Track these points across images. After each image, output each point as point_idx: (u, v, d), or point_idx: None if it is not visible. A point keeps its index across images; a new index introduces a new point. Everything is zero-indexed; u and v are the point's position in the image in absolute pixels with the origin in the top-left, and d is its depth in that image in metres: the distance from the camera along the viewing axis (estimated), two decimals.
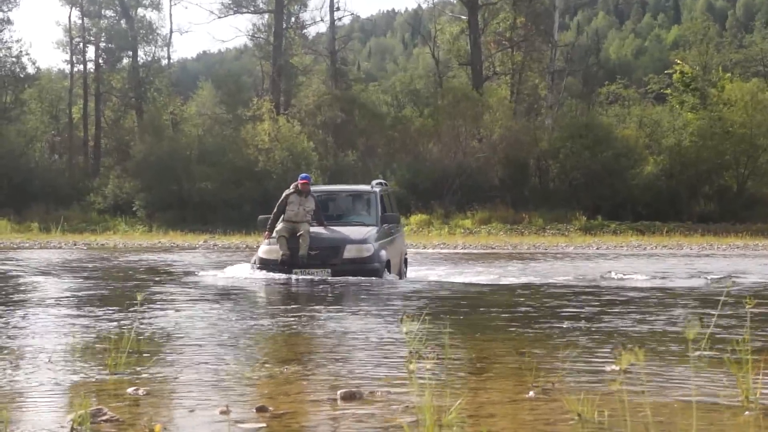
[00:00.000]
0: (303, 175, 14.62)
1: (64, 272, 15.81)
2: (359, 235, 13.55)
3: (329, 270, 13.18)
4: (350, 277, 12.80)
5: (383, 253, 13.60)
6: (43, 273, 15.43)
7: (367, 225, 14.11)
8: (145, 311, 8.34)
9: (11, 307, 9.17)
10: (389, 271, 13.75)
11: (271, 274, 13.21)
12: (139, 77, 52.55)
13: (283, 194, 14.24)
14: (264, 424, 3.81)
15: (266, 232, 13.96)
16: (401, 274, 15.26)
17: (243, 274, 13.76)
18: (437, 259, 21.62)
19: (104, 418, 3.88)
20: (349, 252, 13.22)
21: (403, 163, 43.43)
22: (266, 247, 13.69)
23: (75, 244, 30.85)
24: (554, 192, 41.21)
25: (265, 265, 13.53)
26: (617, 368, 4.56)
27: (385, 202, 15.21)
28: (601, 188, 39.70)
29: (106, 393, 4.48)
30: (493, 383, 4.80)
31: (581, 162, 40.12)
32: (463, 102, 43.31)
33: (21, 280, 13.61)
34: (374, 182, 15.52)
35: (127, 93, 53.68)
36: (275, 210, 14.05)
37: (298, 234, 13.49)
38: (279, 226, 13.74)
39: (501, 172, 42.11)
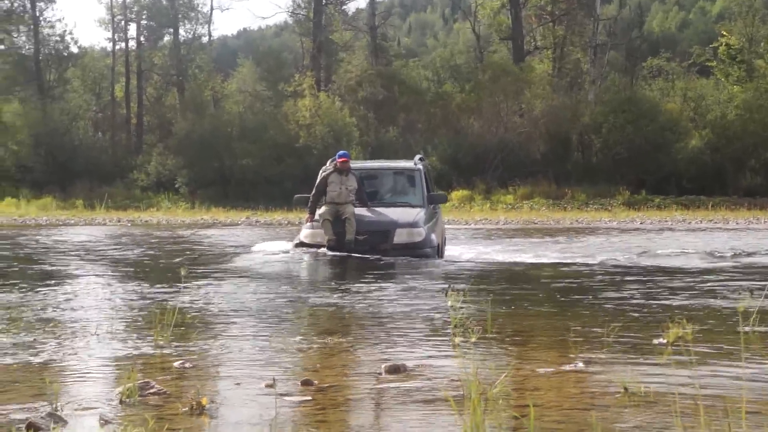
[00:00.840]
0: (341, 152, 13.75)
1: (108, 249, 15.97)
2: (409, 217, 12.64)
3: (379, 257, 12.11)
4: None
5: (434, 237, 12.81)
6: (89, 249, 15.58)
7: (414, 206, 13.17)
8: (189, 286, 8.39)
9: (58, 282, 9.27)
10: (438, 252, 13.04)
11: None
12: (180, 54, 52.80)
13: (320, 174, 13.38)
14: (309, 397, 3.81)
15: (308, 215, 13.16)
16: (442, 252, 14.30)
17: (283, 250, 13.11)
18: (481, 235, 21.54)
19: (152, 391, 3.91)
20: (400, 236, 12.37)
21: (444, 139, 43.28)
22: (309, 231, 12.83)
23: (119, 221, 31.15)
24: (597, 167, 40.88)
25: (307, 249, 12.60)
26: (665, 341, 4.52)
27: (428, 180, 14.33)
28: (645, 162, 39.31)
29: (152, 366, 4.52)
30: (538, 356, 4.77)
31: (624, 136, 39.74)
32: (504, 77, 43.03)
33: (67, 257, 13.76)
34: (416, 157, 14.55)
35: (168, 70, 53.96)
36: (314, 191, 13.17)
37: (343, 217, 12.58)
38: (322, 209, 12.85)
39: (543, 147, 41.81)
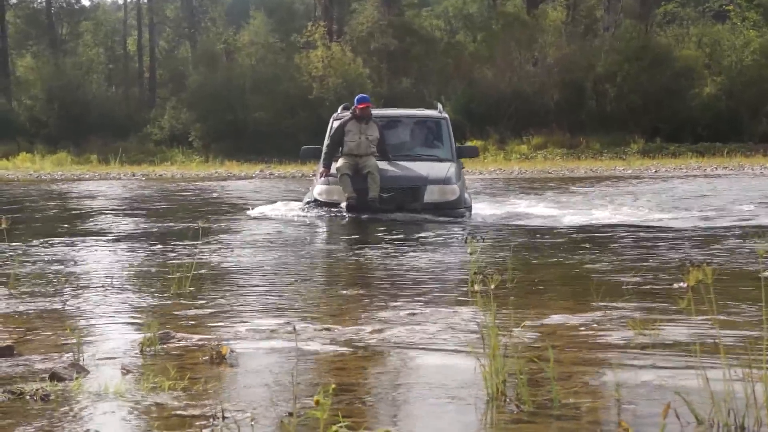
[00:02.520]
0: (361, 96, 11.87)
1: (125, 203, 16.02)
2: (440, 173, 11.14)
3: (407, 216, 10.78)
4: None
5: (467, 196, 11.52)
6: (106, 203, 15.64)
7: (443, 160, 11.65)
8: (207, 240, 8.41)
9: (76, 236, 9.32)
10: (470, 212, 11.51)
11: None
12: (192, 7, 52.52)
13: (333, 122, 11.91)
14: (329, 345, 3.84)
15: (321, 169, 11.47)
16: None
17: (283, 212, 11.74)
18: (510, 187, 21.51)
19: (172, 341, 3.93)
20: (431, 194, 10.88)
21: (458, 89, 43.06)
22: (324, 187, 11.26)
23: (133, 176, 31.22)
24: (611, 115, 40.64)
25: (320, 208, 11.23)
26: (685, 285, 4.51)
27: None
28: (659, 110, 39.06)
29: (172, 317, 4.55)
30: (556, 304, 4.78)
31: (639, 84, 39.46)
32: (517, 26, 42.68)
33: (84, 211, 13.82)
34: (440, 105, 13.01)
35: (180, 23, 53.76)
36: (329, 141, 11.58)
37: (364, 171, 11.02)
38: (338, 162, 11.23)
39: (557, 97, 41.58)
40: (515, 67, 42.17)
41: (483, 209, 12.71)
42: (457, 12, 51.46)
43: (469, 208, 11.28)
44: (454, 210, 10.86)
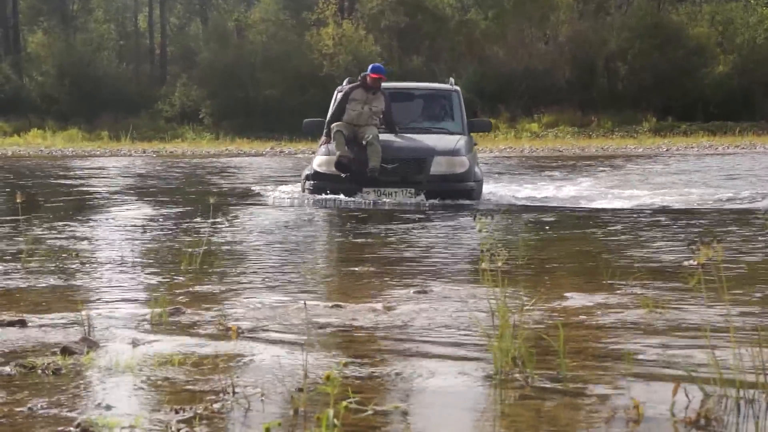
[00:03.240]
0: (376, 65, 11.28)
1: (137, 179, 16.06)
2: (449, 144, 10.48)
3: (412, 190, 10.10)
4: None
5: (478, 170, 10.72)
6: (116, 180, 15.68)
7: (453, 134, 10.98)
8: (217, 218, 8.42)
9: (86, 212, 9.35)
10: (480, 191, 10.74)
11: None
12: None
13: (337, 94, 11.20)
14: (338, 319, 3.85)
15: (323, 138, 10.91)
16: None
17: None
18: (524, 166, 21.48)
19: (182, 315, 3.95)
20: (438, 166, 10.15)
21: (469, 67, 42.92)
22: (324, 158, 10.44)
23: (144, 152, 31.28)
24: (623, 93, 40.50)
25: (321, 182, 10.31)
26: (695, 263, 4.51)
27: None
28: (671, 88, 38.90)
29: (182, 293, 4.56)
30: (567, 281, 4.78)
31: (651, 62, 39.29)
32: (529, 3, 42.49)
33: (94, 187, 13.86)
34: (451, 80, 12.21)
35: (191, 0, 53.61)
36: (333, 110, 10.88)
37: (364, 141, 10.31)
38: (335, 124, 10.62)
39: (568, 74, 41.43)
40: (527, 45, 42.03)
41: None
42: None
43: (480, 183, 10.57)
44: (463, 184, 10.13)
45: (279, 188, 12.15)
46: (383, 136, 10.55)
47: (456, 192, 10.11)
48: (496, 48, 43.15)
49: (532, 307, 3.94)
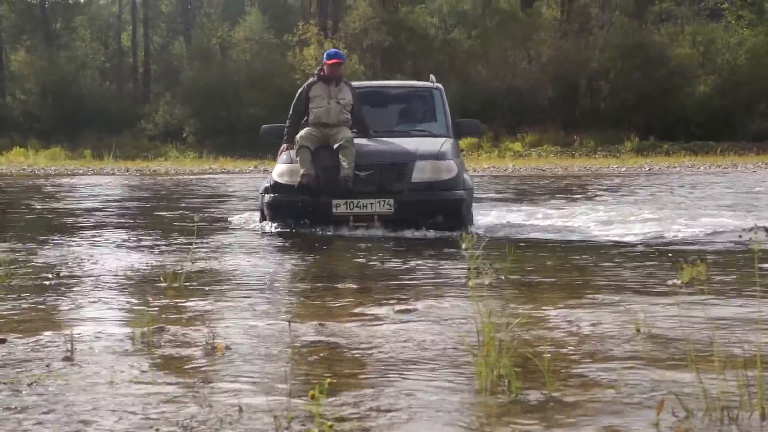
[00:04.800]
0: (330, 51, 9.64)
1: (119, 198, 16.00)
2: (432, 147, 8.95)
3: (391, 201, 8.51)
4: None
5: (467, 177, 9.14)
6: (99, 199, 15.63)
7: (436, 136, 9.46)
8: (201, 238, 8.39)
9: (68, 232, 9.31)
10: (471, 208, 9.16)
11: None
12: (187, 2, 52.47)
13: (300, 89, 9.58)
14: (324, 338, 3.84)
15: (283, 146, 9.32)
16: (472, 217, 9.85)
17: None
18: (517, 189, 21.51)
19: (166, 335, 3.93)
20: (421, 172, 8.64)
21: (452, 86, 43.07)
22: (285, 167, 8.93)
23: (127, 171, 31.19)
24: (605, 113, 40.74)
25: (282, 194, 8.82)
26: (679, 282, 4.52)
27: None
28: (653, 108, 39.16)
29: (166, 313, 4.54)
30: (551, 298, 4.78)
31: (633, 82, 39.56)
32: (512, 23, 42.74)
33: (77, 207, 13.81)
34: (433, 77, 10.56)
35: (175, 18, 53.70)
36: (291, 111, 9.36)
37: (335, 145, 8.81)
38: (301, 132, 9.06)
39: (551, 94, 41.64)
40: (510, 64, 42.21)
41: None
42: (451, 9, 51.48)
43: (470, 193, 9.03)
44: (450, 192, 8.62)
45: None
46: (359, 142, 9.08)
47: (442, 203, 8.59)
48: (480, 67, 43.34)
49: (517, 325, 3.94)
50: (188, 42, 51.38)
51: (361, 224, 8.54)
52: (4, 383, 3.09)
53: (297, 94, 9.44)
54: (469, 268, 3.62)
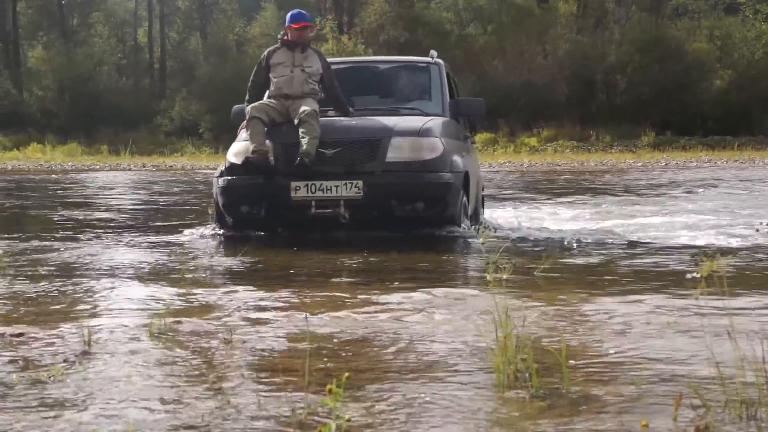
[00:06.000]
0: (295, 12, 8.25)
1: (137, 193, 16.04)
2: (414, 123, 7.70)
3: (359, 183, 7.29)
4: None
5: (458, 158, 7.80)
6: (115, 194, 15.68)
7: (428, 114, 8.10)
8: (217, 229, 8.37)
9: (85, 227, 9.34)
10: (467, 197, 7.96)
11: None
12: None
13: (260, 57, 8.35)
14: (338, 329, 3.83)
15: (243, 122, 7.92)
16: (477, 219, 9.12)
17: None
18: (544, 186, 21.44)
19: (182, 327, 3.93)
20: (398, 150, 7.39)
21: (468, 81, 42.99)
22: (240, 144, 7.74)
23: (144, 166, 31.27)
24: (622, 108, 40.59)
25: (237, 177, 7.60)
26: (698, 276, 4.49)
27: (454, 84, 9.36)
28: (670, 103, 38.99)
29: (183, 305, 4.54)
30: (570, 292, 4.76)
31: (650, 76, 39.39)
32: (528, 18, 42.63)
33: (95, 202, 13.86)
34: (434, 53, 9.13)
35: (191, 14, 53.76)
36: (250, 83, 8.30)
37: (296, 118, 7.57)
38: (256, 103, 7.92)
39: (567, 89, 41.51)
40: (525, 60, 42.11)
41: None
42: (467, 4, 51.35)
43: (460, 176, 7.64)
44: (433, 174, 7.37)
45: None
46: (328, 118, 7.92)
47: (423, 188, 7.35)
48: (496, 62, 43.24)
49: (536, 319, 3.92)
50: (204, 38, 51.44)
51: (325, 211, 7.33)
52: (23, 376, 3.09)
53: (257, 63, 8.27)
54: (487, 262, 3.60)
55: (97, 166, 31.45)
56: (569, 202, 12.88)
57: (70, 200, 14.04)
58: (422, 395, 2.85)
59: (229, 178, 7.60)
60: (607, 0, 47.38)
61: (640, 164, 28.25)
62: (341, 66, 8.98)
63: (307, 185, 7.29)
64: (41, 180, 21.69)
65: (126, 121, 43.85)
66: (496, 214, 10.15)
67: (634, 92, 40.53)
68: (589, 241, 7.15)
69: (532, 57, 42.39)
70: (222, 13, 53.02)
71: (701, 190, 15.04)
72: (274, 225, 7.59)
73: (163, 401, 2.81)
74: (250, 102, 8.00)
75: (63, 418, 2.63)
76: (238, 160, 7.55)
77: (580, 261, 6.12)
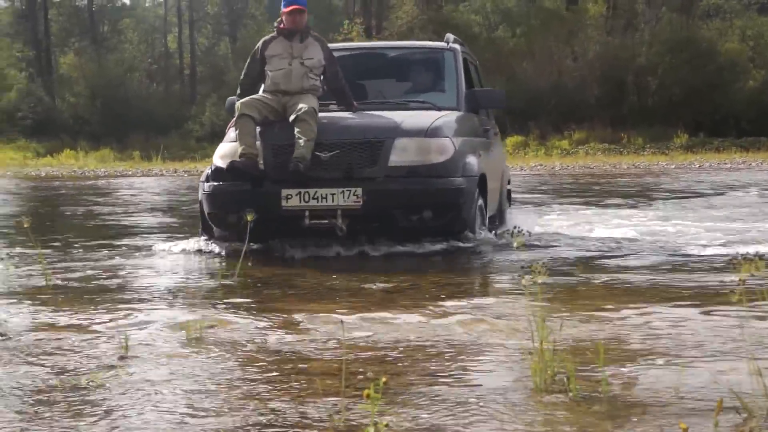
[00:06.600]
0: None
1: (173, 198, 16.13)
2: (422, 121, 6.88)
3: (359, 190, 6.47)
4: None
5: (473, 159, 6.96)
6: (148, 200, 15.77)
7: (439, 108, 7.32)
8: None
9: (123, 234, 9.40)
10: (484, 202, 7.19)
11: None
12: (232, 4, 52.79)
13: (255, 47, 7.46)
14: (371, 333, 3.83)
15: (234, 119, 7.01)
16: (502, 216, 8.72)
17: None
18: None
19: (219, 330, 3.94)
20: (402, 152, 6.60)
21: (497, 84, 42.89)
22: (227, 146, 6.97)
23: (175, 172, 31.43)
24: (653, 109, 40.28)
25: (224, 183, 6.82)
26: (737, 279, 4.45)
27: (472, 74, 8.44)
28: (702, 104, 38.67)
29: (218, 307, 4.56)
30: (609, 296, 4.73)
31: (681, 77, 39.10)
32: (556, 20, 42.51)
33: (127, 208, 13.94)
34: (449, 36, 8.26)
35: (220, 20, 54.03)
36: (243, 75, 7.50)
37: (291, 116, 6.79)
38: (247, 98, 7.07)
39: (597, 91, 41.31)
40: (555, 62, 41.96)
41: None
42: (495, 7, 51.25)
43: (476, 183, 6.88)
44: (441, 180, 6.58)
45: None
46: (326, 114, 7.10)
47: (431, 195, 6.55)
48: (525, 65, 43.12)
49: (573, 324, 3.89)
50: (234, 43, 51.66)
51: (320, 222, 6.54)
52: (62, 380, 3.11)
53: (251, 54, 7.45)
54: (521, 266, 3.58)
55: (130, 172, 31.66)
56: (610, 205, 12.56)
57: (143, 205, 14.15)
58: (460, 400, 2.84)
59: (215, 183, 6.84)
60: (637, 1, 47.13)
61: (673, 166, 28.05)
62: (346, 53, 8.13)
63: (299, 193, 6.49)
64: (89, 186, 21.88)
65: (157, 127, 44.08)
66: (531, 220, 9.75)
67: (665, 93, 40.24)
68: (631, 246, 7.00)
69: (561, 59, 42.23)
70: (251, 18, 53.25)
71: (747, 192, 14.66)
72: (264, 237, 6.68)
73: (202, 408, 2.82)
74: (242, 93, 7.25)
75: (102, 423, 2.65)
76: (224, 164, 6.78)
77: (619, 266, 6.07)
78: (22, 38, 52.25)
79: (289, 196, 6.48)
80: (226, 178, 6.71)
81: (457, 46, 8.02)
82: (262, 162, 6.65)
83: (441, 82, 7.83)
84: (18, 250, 7.42)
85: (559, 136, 38.93)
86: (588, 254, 6.51)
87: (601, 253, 6.59)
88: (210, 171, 6.92)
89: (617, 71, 41.08)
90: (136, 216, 11.90)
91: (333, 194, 6.45)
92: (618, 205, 12.33)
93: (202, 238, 7.22)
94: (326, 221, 6.51)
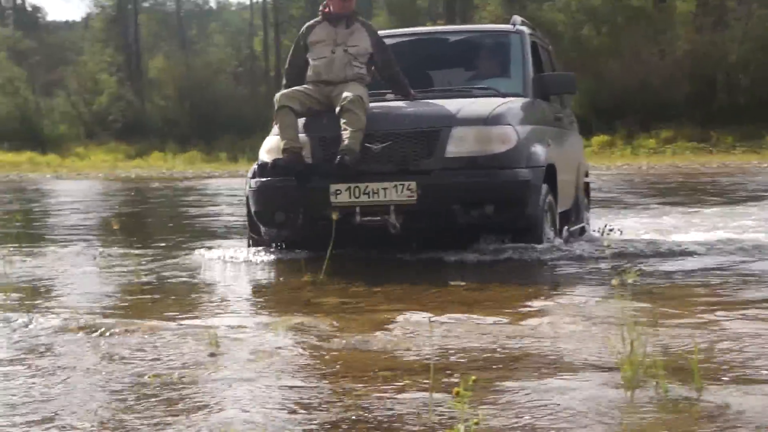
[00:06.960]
0: None
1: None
2: (482, 108, 6.35)
3: (413, 184, 6.00)
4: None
5: (540, 149, 6.41)
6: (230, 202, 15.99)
7: (503, 94, 6.71)
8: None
9: (194, 237, 9.53)
10: (554, 197, 6.62)
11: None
12: (316, 6, 53.20)
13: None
14: (459, 332, 3.81)
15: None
16: (578, 211, 7.95)
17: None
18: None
19: (304, 328, 3.96)
20: (460, 143, 6.09)
21: (583, 83, 42.36)
22: (273, 140, 6.50)
23: None
24: (744, 107, 39.38)
25: (271, 179, 6.39)
26: None
27: (543, 59, 7.80)
28: None
29: (305, 306, 4.59)
30: (700, 299, 4.64)
31: None
32: (643, 18, 41.89)
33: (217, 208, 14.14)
34: (515, 18, 7.63)
35: (304, 22, 54.48)
36: (287, 65, 7.05)
37: (337, 107, 6.25)
38: (287, 90, 6.61)
39: (686, 89, 40.56)
40: (642, 60, 41.32)
41: None
42: (580, 5, 50.68)
43: (542, 175, 6.34)
44: (504, 172, 6.07)
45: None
46: (379, 103, 6.60)
47: (494, 189, 6.06)
48: (611, 63, 42.57)
49: (665, 325, 3.82)
50: None
51: (373, 218, 6.06)
52: (155, 376, 3.17)
53: (295, 41, 7.01)
54: (612, 267, 3.53)
55: (217, 174, 32.13)
56: (702, 206, 12.11)
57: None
58: (549, 399, 2.81)
59: (262, 180, 6.41)
60: None
61: (765, 165, 27.41)
62: (402, 39, 7.52)
63: (349, 188, 6.02)
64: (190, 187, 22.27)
65: (243, 129, 44.58)
66: (616, 222, 9.46)
67: (757, 91, 39.31)
68: (721, 250, 6.77)
69: (648, 57, 41.58)
70: None
71: None
72: (313, 236, 6.19)
73: (292, 403, 2.84)
74: (287, 85, 6.75)
75: (194, 419, 2.68)
76: (267, 158, 6.39)
77: (708, 268, 5.93)
78: (113, 43, 53.42)
79: (339, 192, 6.03)
80: (272, 174, 6.31)
81: (524, 29, 7.43)
82: (309, 156, 6.22)
83: (506, 66, 7.26)
84: (115, 249, 7.58)
85: (646, 135, 38.35)
86: (670, 251, 6.36)
87: (685, 252, 6.45)
88: (256, 166, 6.56)
89: (707, 69, 40.29)
90: (227, 217, 12.06)
91: (385, 189, 6.00)
92: (705, 208, 11.92)
93: (250, 239, 6.89)
94: (378, 218, 6.04)
